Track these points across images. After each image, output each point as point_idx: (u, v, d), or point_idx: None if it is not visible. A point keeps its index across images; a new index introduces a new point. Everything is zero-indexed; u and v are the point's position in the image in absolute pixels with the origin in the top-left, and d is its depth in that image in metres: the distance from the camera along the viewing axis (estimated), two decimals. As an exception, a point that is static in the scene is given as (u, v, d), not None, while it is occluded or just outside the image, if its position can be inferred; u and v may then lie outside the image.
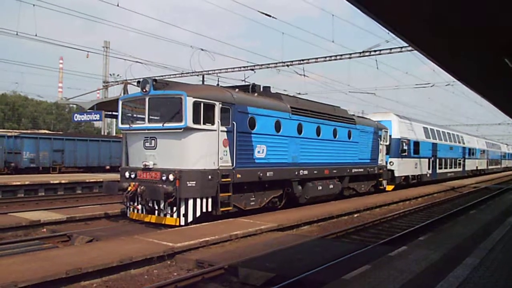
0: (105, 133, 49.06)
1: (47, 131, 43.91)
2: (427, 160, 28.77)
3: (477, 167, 44.26)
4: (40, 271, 6.76)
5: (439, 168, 31.35)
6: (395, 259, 7.62)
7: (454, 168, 35.45)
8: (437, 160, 30.81)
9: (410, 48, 18.39)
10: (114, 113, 23.89)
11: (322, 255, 8.83)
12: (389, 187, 23.35)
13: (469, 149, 40.90)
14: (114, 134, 50.17)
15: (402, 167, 24.72)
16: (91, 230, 11.30)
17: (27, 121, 75.19)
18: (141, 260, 7.97)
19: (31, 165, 28.56)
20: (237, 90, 13.34)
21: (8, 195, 19.71)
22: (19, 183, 20.36)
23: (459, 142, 37.58)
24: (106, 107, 23.86)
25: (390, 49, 21.01)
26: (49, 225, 11.89)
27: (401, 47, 20.28)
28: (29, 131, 37.88)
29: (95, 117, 24.02)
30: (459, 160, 37.05)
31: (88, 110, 24.32)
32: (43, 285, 6.55)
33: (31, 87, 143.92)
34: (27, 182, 20.77)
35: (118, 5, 18.45)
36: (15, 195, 19.92)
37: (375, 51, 21.35)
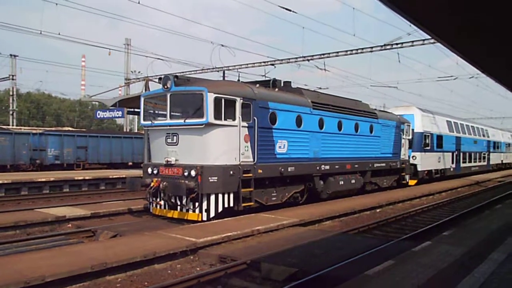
0: (127, 130, 49.74)
1: (70, 128, 44.91)
2: (450, 154, 28.21)
3: (502, 160, 43.24)
4: (66, 266, 6.91)
5: (463, 162, 30.71)
6: (419, 254, 7.52)
7: (479, 162, 34.68)
8: (461, 154, 30.18)
9: (432, 40, 18.02)
10: (136, 109, 24.23)
11: (345, 250, 8.78)
12: (412, 182, 23.00)
13: (494, 142, 39.96)
14: (136, 131, 50.89)
15: (425, 161, 24.32)
16: (115, 225, 11.49)
17: (51, 118, 76.98)
18: (164, 255, 8.06)
19: (55, 162, 29.19)
20: (257, 85, 13.31)
21: (34, 191, 20.18)
22: (44, 180, 20.84)
23: (484, 136, 36.73)
24: (128, 104, 24.20)
25: (412, 41, 20.64)
26: (74, 221, 12.12)
27: (424, 40, 19.88)
28: (53, 129, 38.81)
29: (117, 114, 24.40)
30: (484, 154, 36.24)
31: (111, 107, 24.72)
32: (70, 279, 6.69)
33: (55, 85, 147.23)
34: (52, 179, 21.22)
35: (139, 3, 18.62)
36: (40, 191, 20.38)
37: (396, 44, 21.02)
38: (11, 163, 27.03)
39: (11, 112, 46.47)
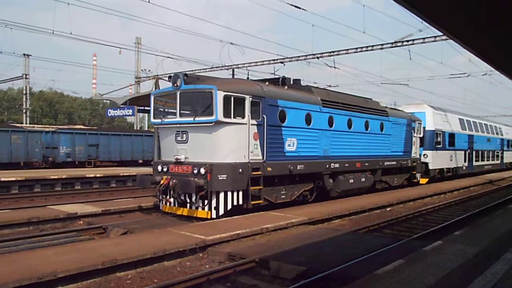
0: (138, 128, 50.07)
1: (82, 127, 45.30)
2: (463, 152, 27.90)
3: (516, 159, 42.60)
4: (78, 262, 6.99)
5: (476, 161, 30.36)
6: (429, 254, 7.43)
7: (492, 160, 34.26)
8: (474, 152, 29.84)
9: (444, 37, 17.81)
10: (146, 108, 24.33)
11: (354, 249, 8.72)
12: (423, 180, 22.80)
13: (508, 140, 39.41)
14: (146, 129, 51.21)
15: (436, 159, 24.07)
16: (125, 222, 11.56)
17: (63, 116, 77.75)
18: (174, 252, 8.10)
19: (67, 160, 29.53)
20: (267, 83, 13.30)
21: (46, 188, 20.49)
22: (56, 177, 21.08)
23: (497, 134, 36.28)
24: (138, 102, 24.33)
25: (424, 38, 20.42)
26: (85, 218, 12.26)
27: (435, 36, 19.65)
28: (65, 127, 39.16)
29: (128, 112, 24.54)
30: (497, 152, 35.79)
31: (121, 106, 24.87)
32: (81, 275, 6.78)
33: (67, 84, 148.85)
34: (64, 176, 21.48)
35: (149, 1, 18.69)
36: (52, 188, 20.67)
37: (407, 41, 20.81)
38: (25, 161, 27.42)
39: (24, 111, 47.03)
